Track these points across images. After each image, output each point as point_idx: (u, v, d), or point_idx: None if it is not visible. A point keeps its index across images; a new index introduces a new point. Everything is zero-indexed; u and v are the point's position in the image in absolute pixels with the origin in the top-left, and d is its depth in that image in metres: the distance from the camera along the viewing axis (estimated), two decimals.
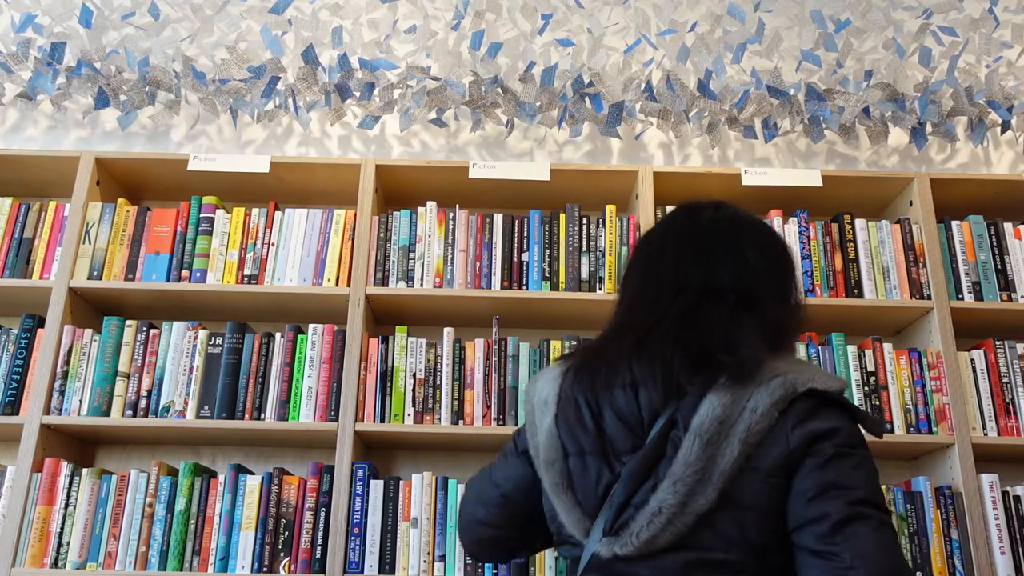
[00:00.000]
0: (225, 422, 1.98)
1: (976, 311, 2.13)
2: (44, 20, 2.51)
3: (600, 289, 2.12)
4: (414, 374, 2.05)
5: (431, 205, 2.18)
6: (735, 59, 2.42)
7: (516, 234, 2.17)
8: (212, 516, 1.93)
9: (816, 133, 2.37)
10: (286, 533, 1.92)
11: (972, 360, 2.09)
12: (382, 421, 2.00)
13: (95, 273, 2.10)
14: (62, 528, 1.92)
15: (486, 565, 1.90)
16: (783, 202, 2.30)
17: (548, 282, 2.13)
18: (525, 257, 2.15)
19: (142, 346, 2.05)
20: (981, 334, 2.18)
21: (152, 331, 2.07)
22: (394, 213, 2.18)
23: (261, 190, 2.34)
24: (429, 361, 2.06)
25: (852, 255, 2.17)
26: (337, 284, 2.11)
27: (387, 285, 2.12)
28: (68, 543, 1.92)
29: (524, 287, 2.13)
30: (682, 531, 1.03)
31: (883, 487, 1.97)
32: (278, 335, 2.07)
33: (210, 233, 2.14)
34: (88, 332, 2.06)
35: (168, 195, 2.36)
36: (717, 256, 1.16)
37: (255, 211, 2.17)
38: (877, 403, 2.03)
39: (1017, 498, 1.98)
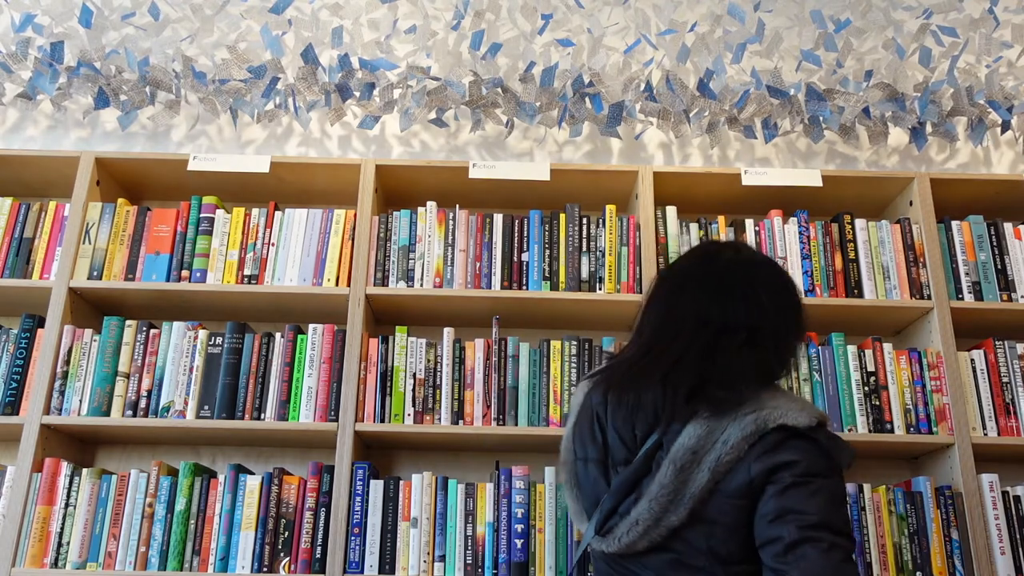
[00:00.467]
0: (225, 422, 1.98)
1: (976, 311, 2.13)
2: (44, 20, 2.51)
3: (600, 289, 2.12)
4: (414, 374, 2.05)
5: (431, 205, 2.18)
6: (735, 59, 2.42)
7: (516, 234, 2.17)
8: (212, 516, 1.93)
9: (816, 133, 2.37)
10: (286, 533, 1.92)
11: (972, 360, 2.09)
12: (382, 421, 2.00)
13: (95, 273, 2.10)
14: (62, 528, 1.92)
15: (486, 564, 1.90)
16: (783, 202, 2.30)
17: (548, 282, 2.13)
18: (525, 257, 2.15)
19: (142, 346, 2.05)
20: (981, 334, 2.18)
21: (152, 331, 2.07)
22: (394, 213, 2.18)
23: (261, 190, 2.34)
24: (429, 361, 2.06)
25: (852, 255, 2.17)
26: (337, 284, 2.11)
27: (387, 285, 2.12)
28: (68, 543, 1.92)
29: (524, 287, 2.13)
30: (657, 540, 1.20)
31: (883, 487, 1.98)
32: (278, 335, 2.07)
33: (210, 233, 2.14)
34: (88, 332, 2.06)
35: (168, 195, 2.37)
36: (735, 296, 1.28)
37: (255, 211, 2.17)
38: (877, 403, 2.03)
39: (1017, 498, 1.98)
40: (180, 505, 1.93)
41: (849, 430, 2.01)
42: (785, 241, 2.18)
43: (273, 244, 2.15)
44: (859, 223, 2.20)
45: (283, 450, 2.22)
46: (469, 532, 1.93)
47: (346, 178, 2.25)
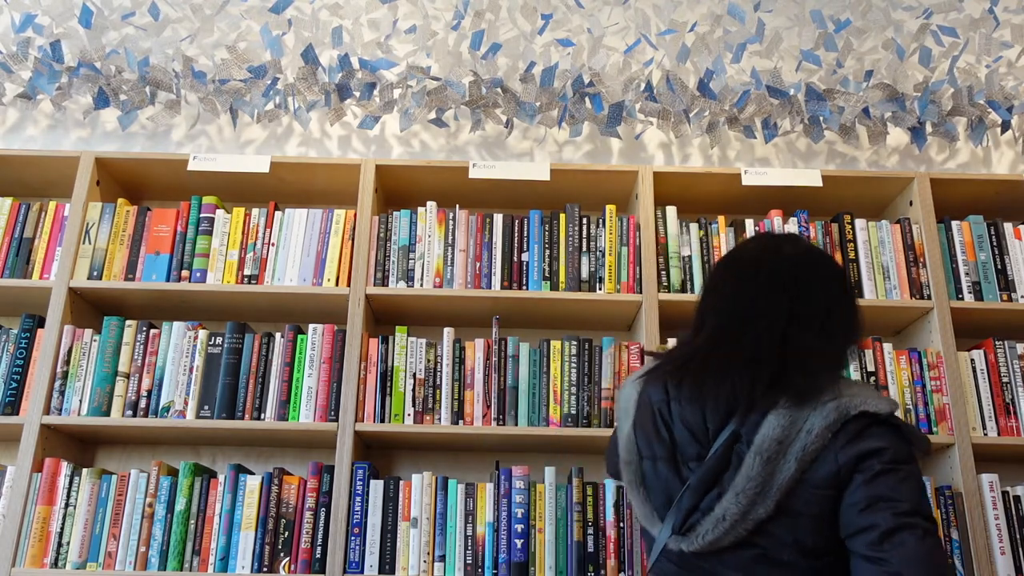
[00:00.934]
0: (225, 422, 1.98)
1: (976, 311, 2.13)
2: (44, 20, 2.51)
3: (600, 289, 2.12)
4: (414, 374, 2.05)
5: (431, 205, 2.18)
6: (735, 59, 2.42)
7: (516, 234, 2.17)
8: (212, 516, 1.93)
9: (816, 133, 2.37)
10: (286, 533, 1.93)
11: (972, 360, 2.09)
12: (382, 421, 2.00)
13: (95, 273, 2.10)
14: (62, 528, 1.92)
15: (486, 565, 1.90)
16: (783, 202, 2.30)
17: (548, 282, 2.13)
18: (525, 257, 2.15)
19: (142, 346, 2.05)
20: (981, 334, 2.18)
21: (152, 331, 2.07)
22: (394, 213, 2.18)
23: (261, 190, 2.34)
24: (429, 361, 2.06)
25: (852, 255, 2.17)
26: (337, 284, 2.11)
27: (387, 285, 2.12)
28: (68, 543, 1.92)
29: (524, 287, 2.13)
30: (742, 534, 1.18)
31: None
32: (278, 335, 2.07)
33: (210, 233, 2.14)
34: (88, 332, 2.06)
35: (168, 195, 2.37)
36: (806, 287, 1.29)
37: (255, 211, 2.17)
38: None
39: (1017, 498, 1.98)
40: (180, 505, 1.93)
41: None
42: None
43: (273, 244, 2.15)
44: (859, 223, 2.20)
45: (283, 450, 2.22)
46: (469, 532, 1.93)
47: (346, 178, 2.25)
